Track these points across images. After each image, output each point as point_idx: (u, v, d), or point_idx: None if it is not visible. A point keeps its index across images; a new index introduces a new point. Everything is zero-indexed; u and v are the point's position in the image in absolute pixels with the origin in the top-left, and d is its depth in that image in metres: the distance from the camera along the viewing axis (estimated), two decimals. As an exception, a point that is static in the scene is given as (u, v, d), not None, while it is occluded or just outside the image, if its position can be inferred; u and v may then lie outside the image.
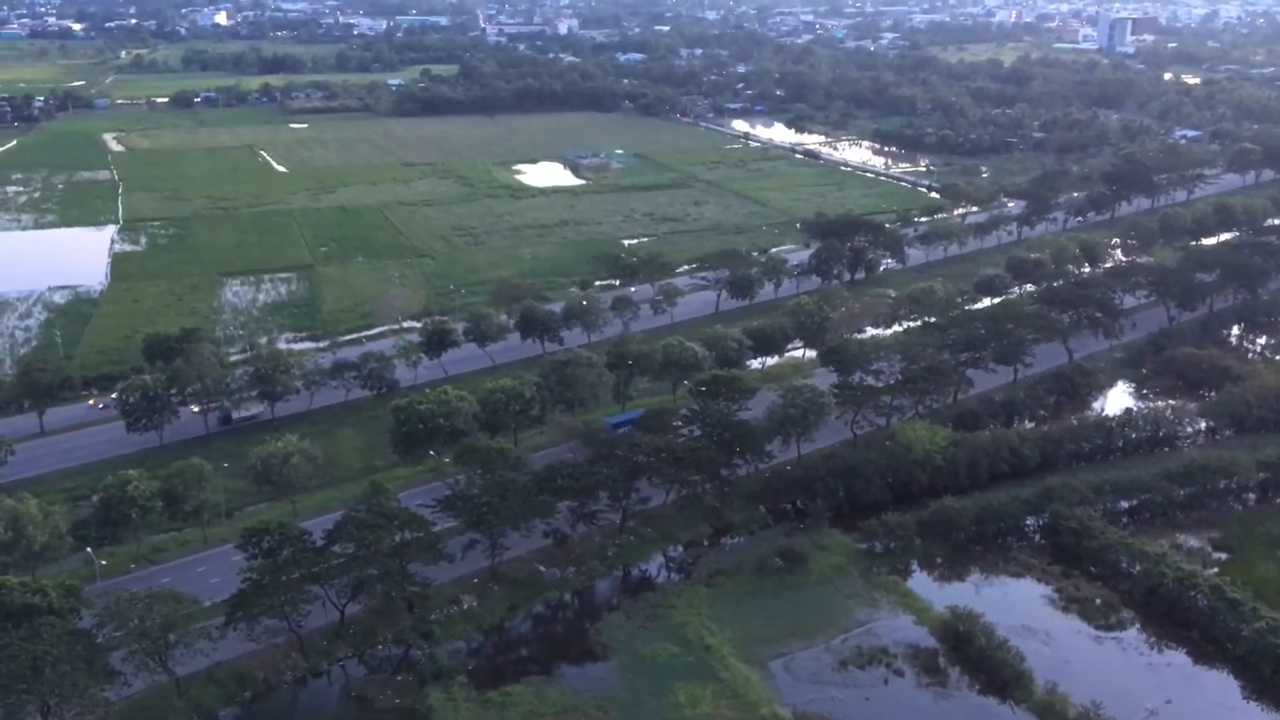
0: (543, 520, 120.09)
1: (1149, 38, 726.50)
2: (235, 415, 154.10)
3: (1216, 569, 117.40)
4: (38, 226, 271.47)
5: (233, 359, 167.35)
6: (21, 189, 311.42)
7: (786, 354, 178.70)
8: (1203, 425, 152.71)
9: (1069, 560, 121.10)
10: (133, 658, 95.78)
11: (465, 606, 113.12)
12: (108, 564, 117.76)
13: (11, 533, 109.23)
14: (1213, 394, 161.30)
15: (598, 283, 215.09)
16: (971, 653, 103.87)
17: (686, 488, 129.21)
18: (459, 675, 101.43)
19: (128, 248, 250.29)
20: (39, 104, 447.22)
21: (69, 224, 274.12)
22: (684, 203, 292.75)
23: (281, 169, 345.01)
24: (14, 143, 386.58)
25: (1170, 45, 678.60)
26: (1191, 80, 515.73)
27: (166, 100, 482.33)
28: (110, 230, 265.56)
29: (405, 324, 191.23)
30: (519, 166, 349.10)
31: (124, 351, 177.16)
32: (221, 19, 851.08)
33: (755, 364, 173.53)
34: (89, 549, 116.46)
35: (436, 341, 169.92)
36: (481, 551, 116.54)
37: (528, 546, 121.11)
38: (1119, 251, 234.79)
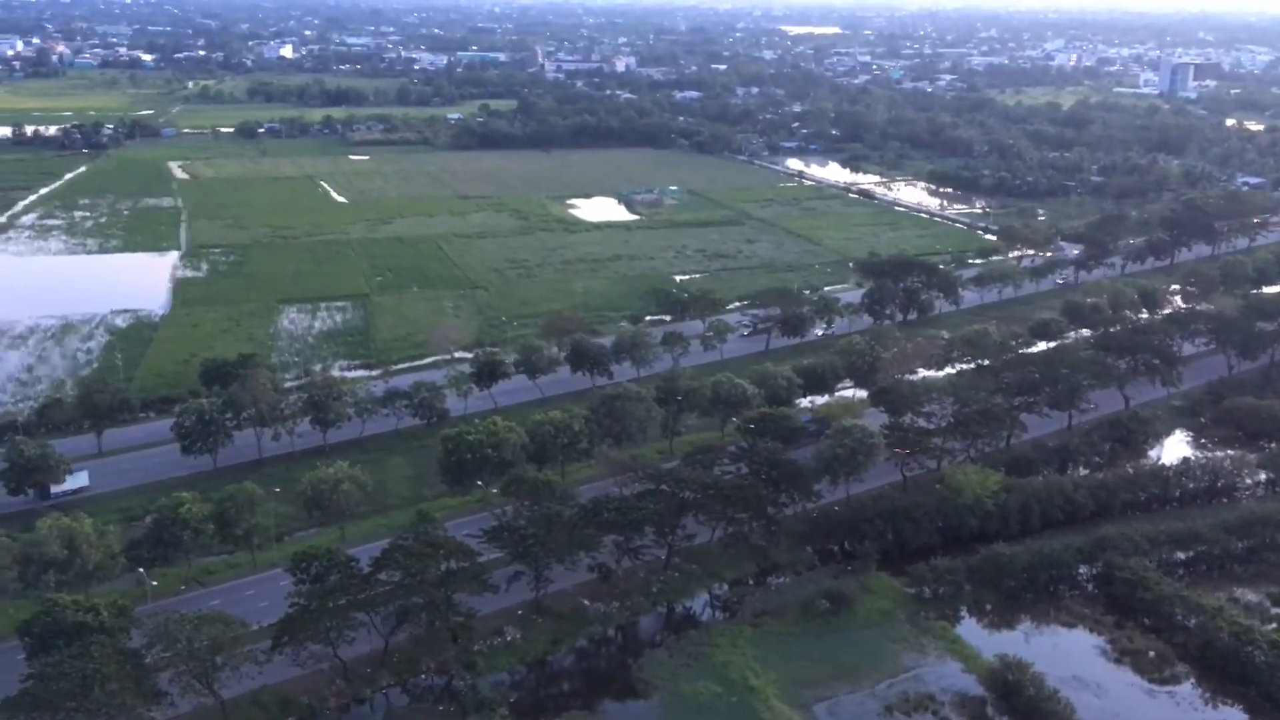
0: (588, 554, 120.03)
1: (1211, 83, 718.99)
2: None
3: (1275, 624, 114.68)
4: (103, 251, 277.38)
5: (288, 385, 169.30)
6: (89, 214, 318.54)
7: (837, 393, 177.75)
8: (1262, 477, 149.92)
9: (1122, 611, 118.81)
10: (180, 679, 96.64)
11: (509, 638, 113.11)
12: (159, 585, 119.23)
13: (67, 551, 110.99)
14: (1273, 445, 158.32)
15: (648, 318, 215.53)
16: (1020, 703, 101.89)
17: (733, 526, 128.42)
18: (501, 708, 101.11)
19: (189, 273, 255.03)
20: (108, 131, 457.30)
21: (133, 249, 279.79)
22: (736, 240, 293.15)
23: (341, 199, 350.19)
24: (83, 169, 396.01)
25: (1233, 91, 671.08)
26: (1255, 127, 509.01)
27: (231, 130, 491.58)
28: (172, 256, 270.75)
29: (457, 354, 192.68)
30: (573, 201, 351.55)
31: (182, 375, 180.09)
32: (287, 52, 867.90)
33: (805, 403, 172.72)
34: (141, 569, 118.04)
35: (487, 372, 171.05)
36: (526, 583, 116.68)
37: (572, 580, 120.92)
38: (1178, 298, 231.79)
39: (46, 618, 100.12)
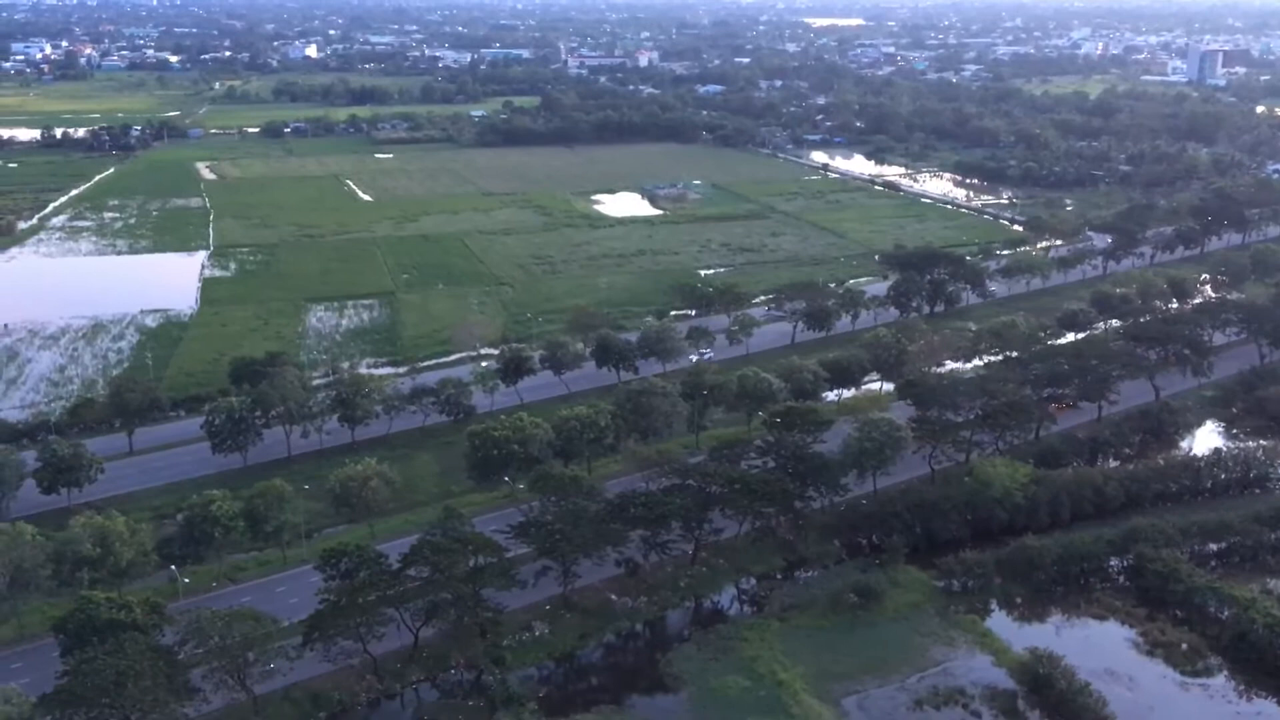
0: (615, 549, 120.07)
1: (1240, 70, 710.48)
2: None
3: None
4: (132, 251, 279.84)
5: (315, 383, 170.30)
6: (118, 215, 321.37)
7: (863, 387, 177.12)
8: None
9: (1154, 603, 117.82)
10: (212, 675, 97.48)
11: (537, 633, 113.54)
12: (190, 582, 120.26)
13: (100, 549, 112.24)
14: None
15: (673, 312, 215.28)
16: (1052, 696, 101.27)
17: (760, 520, 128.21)
18: (529, 703, 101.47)
19: (217, 273, 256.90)
20: (136, 133, 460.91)
21: (162, 249, 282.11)
22: (761, 234, 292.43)
23: (366, 198, 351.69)
24: (112, 170, 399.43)
25: (1263, 78, 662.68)
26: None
27: (257, 130, 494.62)
28: (201, 256, 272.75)
29: (483, 351, 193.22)
30: (597, 196, 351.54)
31: (211, 374, 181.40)
32: (312, 52, 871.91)
33: (831, 396, 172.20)
34: (173, 567, 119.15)
35: (513, 368, 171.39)
36: (554, 578, 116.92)
37: (600, 575, 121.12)
38: (1208, 287, 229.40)
39: (80, 615, 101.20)
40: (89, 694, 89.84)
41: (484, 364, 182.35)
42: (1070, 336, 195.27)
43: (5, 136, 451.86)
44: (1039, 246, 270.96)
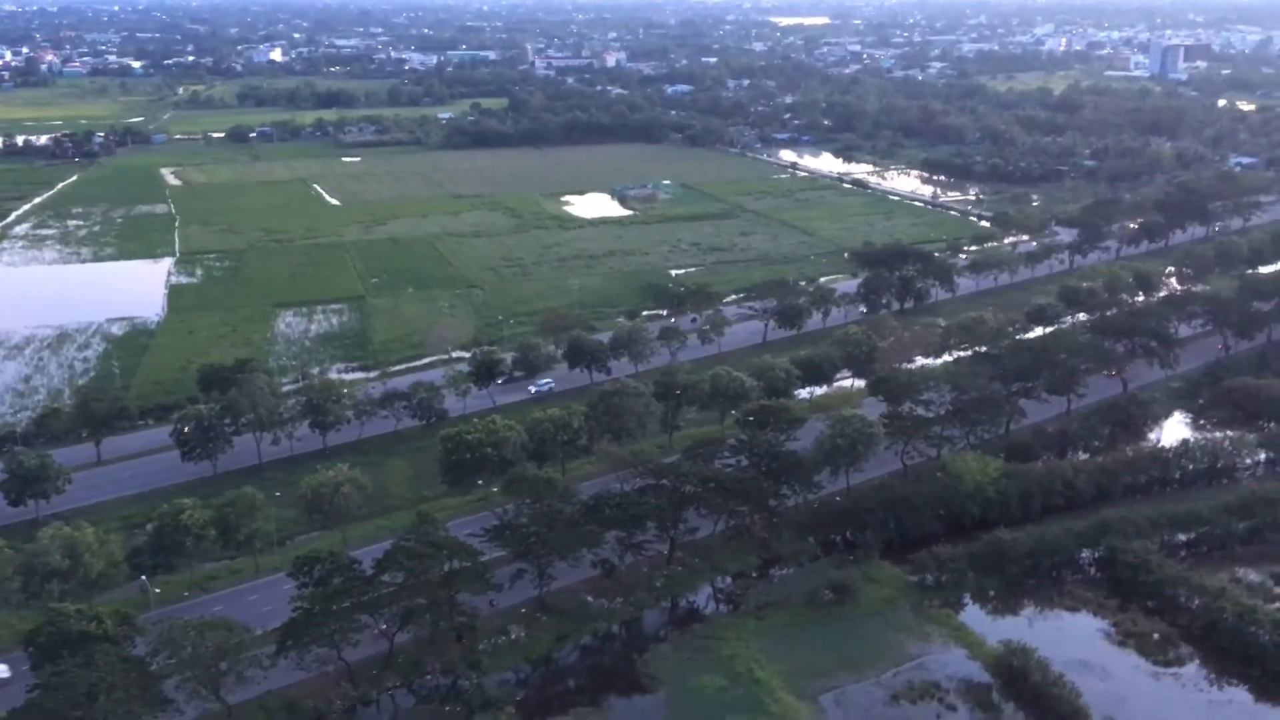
0: (590, 550, 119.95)
1: (1202, 64, 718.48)
2: None
3: (1278, 604, 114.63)
4: (97, 259, 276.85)
5: (285, 389, 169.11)
6: (82, 223, 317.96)
7: (835, 384, 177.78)
8: (1262, 457, 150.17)
9: (1125, 594, 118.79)
10: (185, 686, 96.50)
11: (513, 637, 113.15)
12: (162, 592, 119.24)
13: (69, 560, 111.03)
14: (1272, 425, 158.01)
15: (645, 313, 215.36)
16: (1026, 688, 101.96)
17: (734, 518, 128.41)
18: (507, 706, 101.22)
19: (184, 280, 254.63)
20: (99, 140, 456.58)
21: (127, 257, 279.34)
22: (731, 233, 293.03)
23: (334, 202, 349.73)
24: (75, 178, 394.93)
25: (1224, 72, 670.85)
26: (1246, 107, 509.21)
27: (222, 135, 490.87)
28: (167, 263, 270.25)
29: (454, 354, 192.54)
30: (567, 198, 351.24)
31: (179, 382, 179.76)
32: (276, 55, 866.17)
33: (803, 394, 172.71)
34: (144, 577, 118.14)
35: (485, 371, 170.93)
36: (529, 581, 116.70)
37: (575, 577, 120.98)
38: (1174, 280, 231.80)
39: (51, 628, 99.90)
40: (61, 707, 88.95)
41: (456, 367, 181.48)
42: (1039, 331, 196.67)
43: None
44: (1006, 242, 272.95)
